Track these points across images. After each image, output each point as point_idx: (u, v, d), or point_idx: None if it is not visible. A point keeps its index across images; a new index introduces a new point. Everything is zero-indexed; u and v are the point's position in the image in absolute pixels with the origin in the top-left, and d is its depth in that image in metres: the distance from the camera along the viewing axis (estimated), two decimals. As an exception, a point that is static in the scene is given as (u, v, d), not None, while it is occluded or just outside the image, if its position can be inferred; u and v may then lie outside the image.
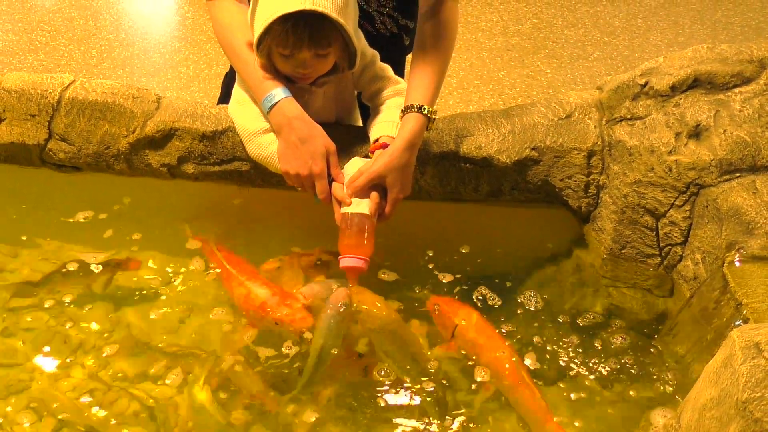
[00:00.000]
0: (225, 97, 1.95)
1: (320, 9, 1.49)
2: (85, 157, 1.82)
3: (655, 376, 1.53)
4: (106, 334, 1.62)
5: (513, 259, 1.79)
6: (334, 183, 1.62)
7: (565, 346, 1.60)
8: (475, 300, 1.68)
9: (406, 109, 1.63)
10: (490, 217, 1.85)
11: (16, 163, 1.89)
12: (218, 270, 1.72)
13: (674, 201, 1.61)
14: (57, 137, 1.82)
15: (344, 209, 1.60)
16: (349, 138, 1.75)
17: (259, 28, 1.54)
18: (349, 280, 1.59)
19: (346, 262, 1.57)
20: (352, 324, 1.56)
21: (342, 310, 1.54)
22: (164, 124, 1.77)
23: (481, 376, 1.51)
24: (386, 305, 1.59)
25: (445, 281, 1.72)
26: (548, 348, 1.60)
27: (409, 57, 1.88)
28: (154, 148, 1.80)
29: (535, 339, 1.61)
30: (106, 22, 4.72)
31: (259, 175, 1.79)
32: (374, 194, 1.60)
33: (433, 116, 1.63)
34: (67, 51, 4.31)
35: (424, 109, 1.61)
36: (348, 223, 1.58)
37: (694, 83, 1.64)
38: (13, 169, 1.90)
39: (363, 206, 1.59)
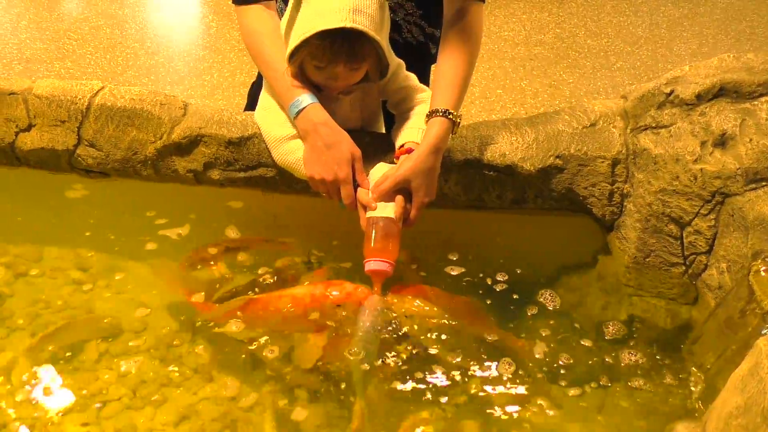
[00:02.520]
0: (251, 107, 1.97)
1: (360, 27, 1.51)
2: (112, 163, 1.85)
3: (679, 386, 1.53)
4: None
5: (536, 266, 1.79)
6: (359, 188, 1.63)
7: (587, 354, 1.60)
8: (495, 303, 1.69)
9: (431, 114, 1.64)
10: (514, 225, 1.85)
11: (45, 168, 1.91)
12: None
13: (699, 209, 1.61)
14: (86, 143, 1.84)
15: (369, 213, 1.61)
16: (374, 145, 1.76)
17: (295, 40, 1.56)
18: (374, 284, 1.60)
19: (371, 265, 1.58)
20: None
21: (376, 319, 1.56)
22: (191, 131, 1.79)
23: (505, 369, 1.54)
24: (428, 303, 1.60)
25: (463, 285, 1.72)
26: (570, 356, 1.59)
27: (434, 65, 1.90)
28: (180, 154, 1.82)
29: (557, 347, 1.61)
30: (132, 30, 4.78)
31: (284, 181, 1.80)
32: (399, 198, 1.60)
33: (458, 120, 1.64)
34: (94, 59, 4.37)
35: (449, 113, 1.62)
36: (373, 228, 1.59)
37: (720, 92, 1.64)
38: (42, 174, 1.93)
39: (388, 210, 1.59)
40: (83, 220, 1.89)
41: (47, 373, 1.56)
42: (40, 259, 1.83)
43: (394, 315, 1.59)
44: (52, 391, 1.53)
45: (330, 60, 1.56)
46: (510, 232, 1.86)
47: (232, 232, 1.83)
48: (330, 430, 1.45)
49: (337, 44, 1.53)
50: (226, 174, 1.82)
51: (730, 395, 1.18)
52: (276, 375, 1.54)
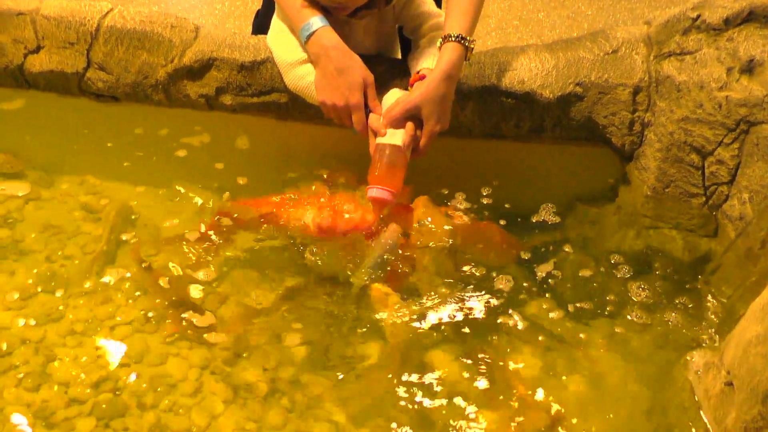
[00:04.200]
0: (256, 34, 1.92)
1: None
2: (123, 87, 1.82)
3: (695, 317, 1.52)
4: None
5: (553, 197, 1.76)
6: (370, 114, 1.59)
7: (603, 284, 1.59)
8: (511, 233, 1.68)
9: (444, 39, 1.58)
10: (531, 155, 1.82)
11: (55, 92, 1.89)
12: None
13: (723, 139, 1.57)
14: (95, 66, 1.81)
15: (378, 140, 1.57)
16: (389, 71, 1.72)
17: None
18: (374, 211, 1.57)
19: (373, 193, 1.55)
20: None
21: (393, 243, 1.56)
22: (203, 54, 1.76)
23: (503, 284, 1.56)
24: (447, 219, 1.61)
25: (478, 215, 1.70)
26: (586, 286, 1.58)
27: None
28: (192, 79, 1.79)
29: (572, 277, 1.60)
30: (141, -43, 4.67)
31: (297, 107, 1.77)
32: (409, 125, 1.56)
33: (472, 46, 1.59)
34: (103, -13, 4.28)
35: (462, 38, 1.57)
36: (380, 155, 1.56)
37: (749, 16, 1.58)
38: (52, 98, 1.90)
39: (397, 137, 1.56)
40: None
41: (61, 296, 1.57)
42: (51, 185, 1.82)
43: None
44: (65, 314, 1.54)
45: None
46: (527, 161, 1.83)
47: (242, 143, 1.84)
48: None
49: None
50: (239, 99, 1.79)
51: (749, 324, 1.16)
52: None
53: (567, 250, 1.65)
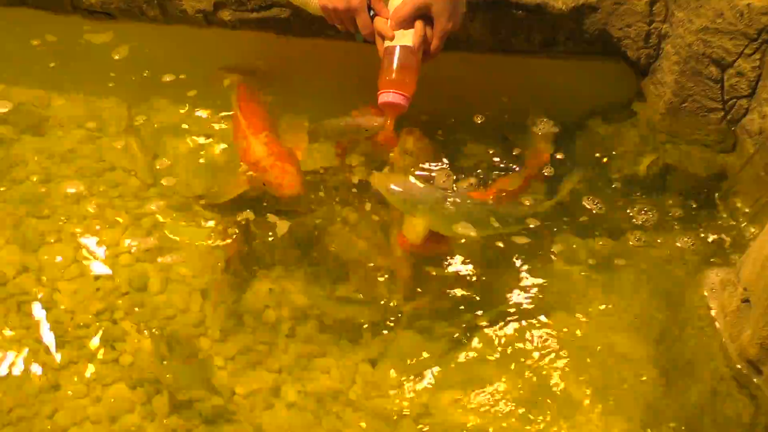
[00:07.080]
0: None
1: None
2: (117, 3, 1.77)
3: (712, 234, 1.49)
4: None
5: (565, 114, 1.71)
6: (376, 17, 1.50)
7: (618, 203, 1.56)
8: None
9: None
10: (543, 70, 1.76)
11: (47, 8, 1.84)
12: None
13: (743, 49, 1.50)
14: (88, -20, 1.75)
15: (387, 43, 1.50)
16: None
17: None
18: (388, 117, 1.51)
19: (385, 97, 1.46)
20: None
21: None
22: (199, -34, 1.69)
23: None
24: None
25: (490, 133, 1.67)
26: (600, 204, 1.55)
27: None
28: (188, -7, 1.73)
29: (587, 194, 1.57)
30: None
31: (297, 22, 1.71)
32: (419, 24, 1.47)
33: None
34: None
35: None
36: (389, 58, 1.47)
37: None
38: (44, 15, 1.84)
39: (407, 38, 1.47)
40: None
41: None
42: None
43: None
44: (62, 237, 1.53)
45: None
46: (538, 77, 1.77)
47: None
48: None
49: None
50: (238, 15, 1.73)
51: (768, 240, 1.13)
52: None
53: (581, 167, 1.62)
